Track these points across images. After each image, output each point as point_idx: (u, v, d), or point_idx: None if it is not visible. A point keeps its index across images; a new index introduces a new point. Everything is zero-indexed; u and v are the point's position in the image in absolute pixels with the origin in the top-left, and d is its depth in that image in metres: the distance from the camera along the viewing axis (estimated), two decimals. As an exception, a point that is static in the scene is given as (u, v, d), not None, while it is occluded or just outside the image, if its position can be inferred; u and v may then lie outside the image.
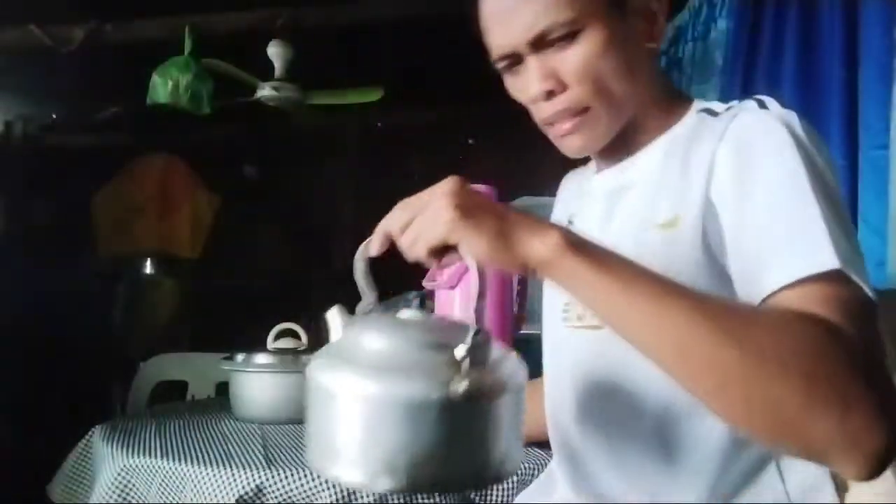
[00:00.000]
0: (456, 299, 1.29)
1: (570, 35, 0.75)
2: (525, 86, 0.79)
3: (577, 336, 0.85)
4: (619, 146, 0.82)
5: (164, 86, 2.27)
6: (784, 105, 0.72)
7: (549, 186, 0.94)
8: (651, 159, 0.81)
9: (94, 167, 3.22)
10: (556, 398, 0.90)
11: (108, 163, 3.28)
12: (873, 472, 0.54)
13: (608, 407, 0.80)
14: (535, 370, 1.17)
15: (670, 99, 0.83)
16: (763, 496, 0.75)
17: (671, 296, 0.57)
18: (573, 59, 0.76)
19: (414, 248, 0.60)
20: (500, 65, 0.81)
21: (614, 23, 0.76)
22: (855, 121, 1.40)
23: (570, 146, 0.81)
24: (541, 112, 0.80)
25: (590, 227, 0.85)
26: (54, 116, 3.19)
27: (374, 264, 0.66)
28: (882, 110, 1.34)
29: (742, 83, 1.72)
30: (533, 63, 0.77)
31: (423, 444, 0.46)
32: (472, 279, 0.54)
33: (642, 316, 0.57)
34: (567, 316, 0.87)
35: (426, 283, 1.60)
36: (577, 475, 0.85)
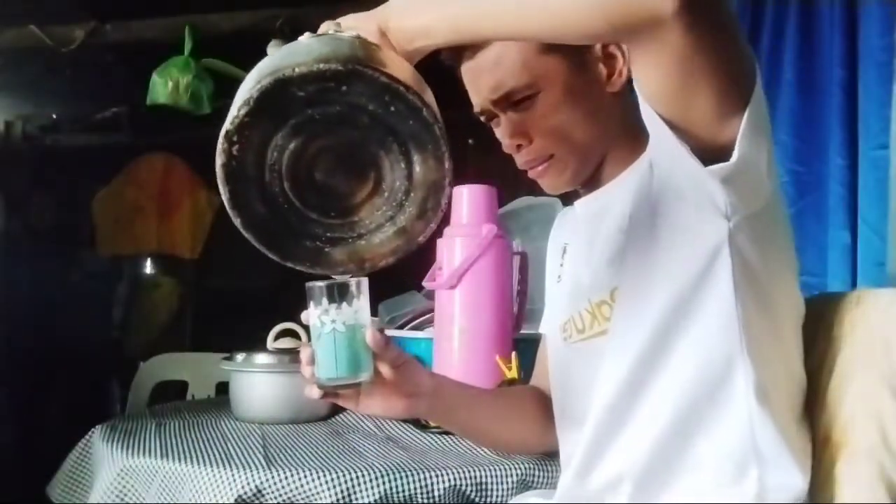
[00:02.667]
0: (456, 299, 1.29)
1: (529, 96, 0.87)
2: (501, 138, 0.92)
3: (580, 347, 0.91)
4: (596, 177, 0.93)
5: (164, 86, 2.27)
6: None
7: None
8: (625, 180, 0.90)
9: (94, 167, 3.21)
10: (566, 409, 0.95)
11: (108, 163, 3.27)
12: None
13: (628, 406, 0.82)
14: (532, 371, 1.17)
15: (644, 128, 0.88)
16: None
17: None
18: (534, 116, 0.88)
19: None
20: (481, 118, 0.94)
21: (573, 77, 0.87)
22: (855, 121, 1.40)
23: (544, 185, 0.93)
24: (517, 160, 0.92)
25: (579, 250, 0.97)
26: (54, 116, 3.18)
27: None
28: (882, 110, 1.33)
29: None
30: (503, 120, 0.90)
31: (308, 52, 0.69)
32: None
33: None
34: (566, 336, 0.94)
35: (426, 284, 1.61)
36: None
